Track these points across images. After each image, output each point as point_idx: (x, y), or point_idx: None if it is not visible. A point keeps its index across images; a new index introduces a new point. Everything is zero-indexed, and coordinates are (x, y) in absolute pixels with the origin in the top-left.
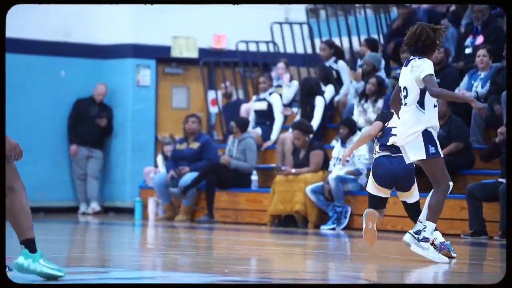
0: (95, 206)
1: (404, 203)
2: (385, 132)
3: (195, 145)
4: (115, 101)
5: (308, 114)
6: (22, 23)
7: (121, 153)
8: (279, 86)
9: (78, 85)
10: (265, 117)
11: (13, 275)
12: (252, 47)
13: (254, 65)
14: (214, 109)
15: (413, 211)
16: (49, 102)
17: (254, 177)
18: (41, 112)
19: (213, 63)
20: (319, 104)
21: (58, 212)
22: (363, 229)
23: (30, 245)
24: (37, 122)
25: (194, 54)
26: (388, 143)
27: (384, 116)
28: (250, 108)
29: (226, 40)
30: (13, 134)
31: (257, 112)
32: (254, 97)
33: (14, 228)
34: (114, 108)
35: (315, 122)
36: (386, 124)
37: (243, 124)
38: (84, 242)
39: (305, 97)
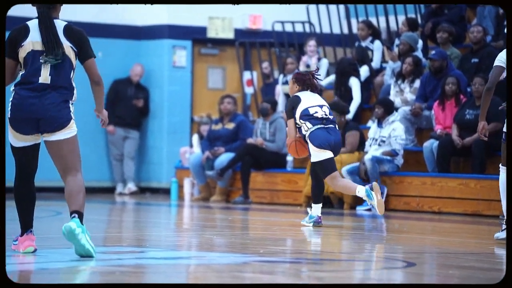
0: (131, 186)
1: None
2: (308, 112)
3: (230, 126)
4: (152, 82)
5: (343, 94)
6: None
7: (157, 133)
8: (308, 66)
9: (115, 66)
10: None
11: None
12: (288, 28)
13: (290, 46)
14: (249, 90)
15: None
16: (86, 82)
17: (290, 157)
18: (79, 93)
19: (249, 43)
20: (355, 85)
21: (96, 192)
22: (377, 202)
23: (81, 218)
24: (75, 103)
25: (230, 35)
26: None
27: (293, 104)
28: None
29: (262, 20)
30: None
31: (287, 95)
32: (281, 78)
33: (70, 202)
34: (150, 89)
35: (354, 103)
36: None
37: (273, 105)
38: (121, 222)
39: (340, 77)
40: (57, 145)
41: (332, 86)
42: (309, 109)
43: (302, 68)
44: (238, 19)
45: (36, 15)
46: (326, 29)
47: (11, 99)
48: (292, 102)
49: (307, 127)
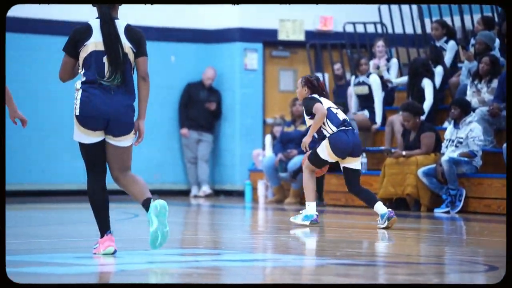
0: (206, 189)
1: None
2: (331, 111)
3: (302, 128)
4: (224, 85)
5: (415, 95)
6: (132, 10)
7: (230, 136)
8: (377, 67)
9: (188, 69)
10: (369, 100)
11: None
12: (360, 29)
13: (361, 47)
14: None
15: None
16: (160, 87)
17: (364, 159)
18: (153, 97)
19: (320, 45)
20: (428, 85)
21: (171, 195)
22: (383, 226)
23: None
24: (149, 107)
25: (301, 37)
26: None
27: (316, 100)
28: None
29: (333, 22)
30: None
31: (360, 96)
32: (352, 80)
33: (144, 190)
34: (222, 92)
35: (427, 104)
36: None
37: (345, 107)
38: (197, 224)
39: (412, 78)
40: (119, 150)
41: (404, 87)
42: (331, 109)
43: (372, 69)
44: (309, 21)
45: (92, 15)
46: (398, 30)
47: (78, 97)
48: (310, 102)
49: (330, 130)
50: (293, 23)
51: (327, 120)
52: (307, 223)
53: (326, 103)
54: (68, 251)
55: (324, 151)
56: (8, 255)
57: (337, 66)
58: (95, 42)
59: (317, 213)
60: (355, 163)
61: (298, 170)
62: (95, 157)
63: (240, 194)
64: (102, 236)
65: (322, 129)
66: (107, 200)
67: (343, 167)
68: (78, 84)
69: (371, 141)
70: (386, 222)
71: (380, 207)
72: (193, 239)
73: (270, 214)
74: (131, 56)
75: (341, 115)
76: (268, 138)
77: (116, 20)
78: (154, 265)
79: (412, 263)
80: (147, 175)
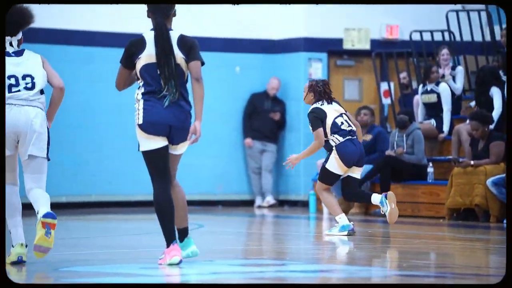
0: (270, 199)
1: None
2: (336, 124)
3: (367, 137)
4: (288, 95)
5: (483, 103)
6: (197, 21)
7: (295, 146)
8: (443, 76)
9: (252, 80)
10: (436, 109)
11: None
12: (426, 37)
13: (428, 55)
14: (387, 101)
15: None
16: (225, 97)
17: (430, 169)
18: (217, 108)
19: (386, 54)
20: (497, 94)
21: (235, 205)
22: (388, 211)
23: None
24: (214, 117)
25: (366, 46)
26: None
27: (319, 118)
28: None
29: (399, 30)
30: None
31: (427, 105)
32: (420, 88)
33: (177, 213)
34: (287, 102)
35: (496, 113)
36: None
37: (410, 117)
38: (261, 235)
39: (480, 86)
40: (173, 158)
41: (472, 96)
42: (335, 120)
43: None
44: (374, 30)
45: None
46: (467, 37)
47: (139, 107)
48: (319, 115)
49: (337, 140)
50: (358, 32)
51: (335, 135)
52: (345, 233)
53: (332, 110)
54: (133, 262)
55: (334, 163)
56: (77, 265)
57: (403, 74)
58: (149, 55)
59: (352, 223)
60: (358, 172)
61: (363, 180)
62: (160, 163)
63: (304, 204)
64: (168, 246)
65: (329, 140)
66: (173, 210)
67: (346, 176)
68: (139, 95)
69: (437, 150)
70: (386, 203)
71: (376, 197)
72: (257, 250)
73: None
74: (183, 66)
75: (346, 126)
76: None
77: (170, 31)
78: (218, 276)
79: (482, 275)
80: (211, 186)
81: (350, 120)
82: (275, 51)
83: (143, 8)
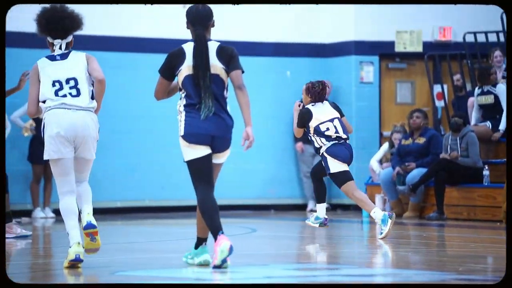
0: None
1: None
2: (319, 129)
3: (421, 140)
4: (339, 99)
5: None
6: (248, 25)
7: None
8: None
9: (303, 84)
10: (492, 111)
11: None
12: (481, 38)
13: (482, 57)
14: (440, 103)
15: None
16: (276, 102)
17: (486, 172)
18: (268, 112)
19: (439, 56)
20: None
21: (287, 209)
22: (386, 231)
23: None
24: (264, 122)
25: (419, 48)
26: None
27: (304, 120)
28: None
29: (452, 32)
30: (238, 134)
31: (483, 106)
32: (476, 90)
33: (199, 221)
34: (338, 105)
35: None
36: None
37: (464, 120)
38: (314, 239)
39: None
40: (217, 167)
41: None
42: (320, 126)
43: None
44: (427, 32)
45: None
46: None
47: (181, 119)
48: (304, 116)
49: (322, 143)
50: (410, 34)
51: (319, 138)
52: (317, 225)
53: (320, 116)
54: (188, 266)
55: (334, 164)
56: (133, 270)
57: (457, 77)
58: (189, 66)
59: (326, 216)
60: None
61: (418, 184)
62: (204, 171)
63: (357, 208)
64: (216, 239)
65: (314, 141)
66: (217, 207)
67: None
68: (181, 107)
69: (493, 153)
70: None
71: (379, 215)
72: (311, 254)
73: None
74: (223, 76)
75: (332, 130)
76: (385, 146)
77: (209, 42)
78: (272, 280)
79: None
80: (263, 190)
81: (339, 126)
82: (326, 55)
83: (183, 15)
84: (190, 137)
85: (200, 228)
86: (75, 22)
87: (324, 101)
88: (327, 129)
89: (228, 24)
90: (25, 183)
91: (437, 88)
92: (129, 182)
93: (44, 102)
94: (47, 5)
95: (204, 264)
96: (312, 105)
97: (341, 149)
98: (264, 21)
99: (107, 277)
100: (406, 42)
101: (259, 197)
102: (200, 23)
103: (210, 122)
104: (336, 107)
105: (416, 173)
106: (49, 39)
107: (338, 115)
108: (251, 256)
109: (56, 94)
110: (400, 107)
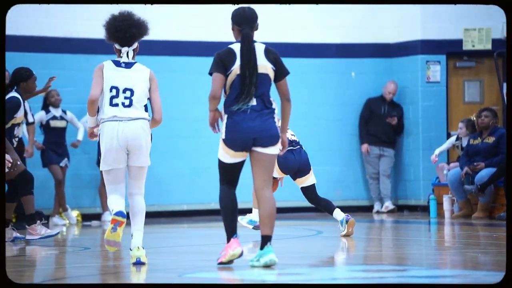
0: (388, 204)
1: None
2: None
3: (490, 140)
4: (405, 99)
5: None
6: (309, 27)
7: (413, 150)
8: None
9: (368, 84)
10: None
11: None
12: None
13: None
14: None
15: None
16: (340, 103)
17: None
18: (333, 113)
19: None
20: None
21: (354, 211)
22: (345, 233)
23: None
24: (329, 123)
25: (488, 46)
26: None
27: None
28: None
29: None
30: (304, 135)
31: None
32: None
33: (272, 220)
34: (404, 106)
35: None
36: None
37: None
38: (381, 240)
39: None
40: (266, 158)
41: None
42: None
43: None
44: (496, 29)
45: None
46: None
47: (224, 122)
48: None
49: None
50: (479, 32)
51: None
52: (251, 226)
53: None
54: (252, 268)
55: (275, 172)
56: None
57: None
58: (239, 66)
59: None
60: (308, 181)
61: (486, 184)
62: (233, 175)
63: (424, 209)
64: (228, 241)
65: None
66: (236, 208)
67: (301, 187)
68: (223, 110)
69: None
70: (345, 226)
71: (338, 214)
72: (378, 255)
73: (457, 229)
74: (272, 76)
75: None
76: (452, 138)
77: (255, 43)
78: (339, 281)
79: None
80: (329, 192)
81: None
82: (391, 55)
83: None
84: (230, 143)
85: (262, 226)
86: (142, 29)
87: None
88: None
89: (293, 26)
90: (95, 187)
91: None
92: (195, 185)
93: (98, 109)
94: (116, 13)
95: (270, 265)
96: None
97: (292, 160)
98: (329, 22)
99: (176, 279)
100: (475, 40)
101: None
102: (247, 23)
103: (252, 124)
104: None
105: (485, 173)
106: (117, 46)
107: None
108: (316, 258)
109: (110, 101)
110: (468, 106)
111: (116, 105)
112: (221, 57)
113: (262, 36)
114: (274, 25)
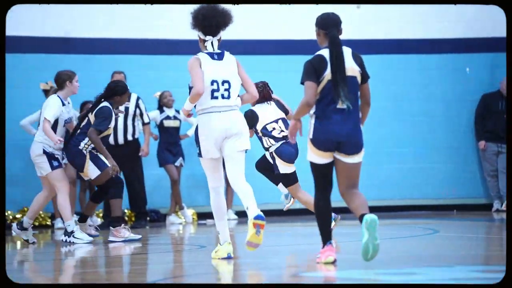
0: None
1: None
2: (267, 129)
3: None
4: None
5: None
6: (425, 22)
7: None
8: None
9: (483, 80)
10: None
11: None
12: None
13: None
14: None
15: None
16: (455, 99)
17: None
18: (449, 109)
19: None
20: None
21: (470, 209)
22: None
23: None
24: (446, 120)
25: None
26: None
27: (250, 122)
28: None
29: None
30: (420, 132)
31: None
32: None
33: (355, 210)
34: (283, 103)
35: None
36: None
37: None
38: (502, 240)
39: None
40: (349, 167)
41: None
42: (267, 126)
43: None
44: None
45: None
46: None
47: (312, 122)
48: (251, 120)
49: (270, 143)
50: None
51: (267, 138)
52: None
53: (266, 116)
54: (368, 267)
55: (280, 166)
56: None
57: None
58: (330, 70)
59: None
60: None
61: None
62: (325, 176)
63: None
64: (323, 247)
65: (262, 140)
66: (330, 214)
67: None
68: (311, 110)
69: None
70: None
71: (282, 188)
72: (499, 255)
73: None
74: (359, 79)
75: (278, 130)
76: None
77: (343, 47)
78: (459, 282)
79: None
80: (445, 190)
81: (283, 126)
82: (505, 49)
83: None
84: (317, 143)
85: (354, 211)
86: (227, 19)
87: (270, 102)
88: (273, 129)
89: (411, 21)
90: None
91: None
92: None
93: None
94: (203, 4)
95: (371, 224)
96: (257, 106)
97: (289, 150)
98: (442, 17)
99: (289, 278)
100: None
101: (440, 197)
102: (334, 25)
103: (339, 127)
104: (281, 106)
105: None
106: (200, 35)
107: (283, 115)
108: (434, 258)
109: (212, 94)
110: None
111: (216, 98)
112: (313, 65)
113: (391, 32)
114: (393, 22)
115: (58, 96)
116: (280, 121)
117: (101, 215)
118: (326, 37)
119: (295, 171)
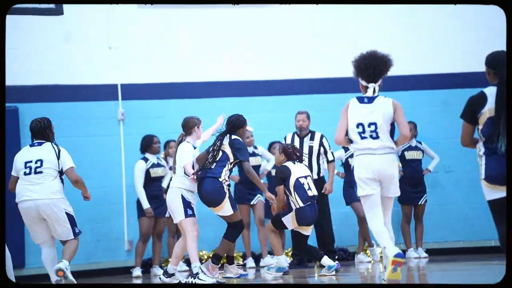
0: None
1: None
2: (299, 182)
3: None
4: None
5: None
6: None
7: None
8: None
9: None
10: None
11: None
12: None
13: None
14: None
15: None
16: None
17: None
18: None
19: None
20: None
21: None
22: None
23: None
24: None
25: None
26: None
27: (282, 177)
28: None
29: None
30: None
31: None
32: None
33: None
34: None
35: None
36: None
37: None
38: None
39: None
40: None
41: None
42: (299, 179)
43: None
44: None
45: None
46: None
47: (481, 162)
48: (283, 173)
49: (297, 203)
50: None
51: (295, 193)
52: (280, 274)
53: (298, 171)
54: None
55: (290, 221)
56: None
57: None
58: (489, 109)
59: (287, 265)
60: (308, 231)
61: None
62: (501, 212)
63: None
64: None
65: (290, 199)
66: None
67: (296, 231)
68: (480, 151)
69: None
70: (334, 272)
71: (327, 260)
72: None
73: None
74: None
75: (306, 187)
76: None
77: None
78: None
79: None
80: None
81: (311, 184)
82: None
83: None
84: (492, 180)
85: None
86: (387, 66)
87: (299, 163)
88: (304, 184)
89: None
90: (397, 223)
91: None
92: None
93: (350, 141)
94: (365, 52)
95: None
96: (288, 163)
97: (309, 215)
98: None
99: None
100: None
101: None
102: (503, 67)
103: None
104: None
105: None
106: (363, 83)
107: (311, 174)
108: None
109: (360, 135)
110: None
111: (365, 138)
112: (471, 103)
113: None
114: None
115: (187, 142)
116: (309, 178)
117: (289, 253)
118: (495, 77)
119: (305, 233)
